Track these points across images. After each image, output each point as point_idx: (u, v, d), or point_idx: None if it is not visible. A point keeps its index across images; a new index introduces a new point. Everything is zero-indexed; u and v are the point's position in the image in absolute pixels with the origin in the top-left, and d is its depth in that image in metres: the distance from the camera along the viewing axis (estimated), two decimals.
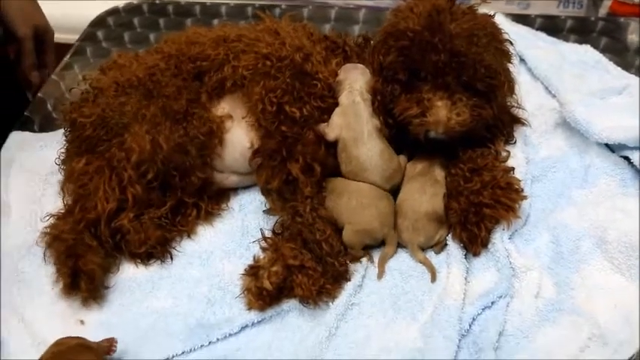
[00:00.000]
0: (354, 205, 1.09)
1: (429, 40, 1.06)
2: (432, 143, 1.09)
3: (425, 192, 1.10)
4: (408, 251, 1.09)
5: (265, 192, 1.16)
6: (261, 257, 1.07)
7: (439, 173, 1.13)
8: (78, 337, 0.94)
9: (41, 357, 0.91)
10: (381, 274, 1.07)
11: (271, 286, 1.01)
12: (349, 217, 1.08)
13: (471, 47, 1.05)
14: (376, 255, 1.09)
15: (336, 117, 1.14)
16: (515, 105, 1.25)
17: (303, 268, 1.02)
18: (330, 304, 1.02)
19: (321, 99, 1.15)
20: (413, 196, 1.10)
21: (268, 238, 1.10)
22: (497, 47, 1.11)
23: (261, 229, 1.12)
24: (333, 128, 1.12)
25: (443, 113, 1.06)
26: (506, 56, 1.15)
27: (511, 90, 1.18)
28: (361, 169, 1.11)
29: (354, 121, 1.12)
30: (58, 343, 0.93)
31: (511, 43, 1.17)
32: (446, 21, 1.06)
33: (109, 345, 0.95)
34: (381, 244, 1.10)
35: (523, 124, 1.25)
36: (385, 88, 1.13)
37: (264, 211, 1.17)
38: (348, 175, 1.13)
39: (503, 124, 1.19)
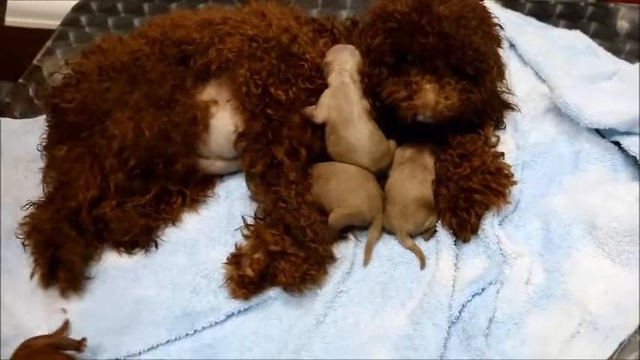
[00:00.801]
0: (343, 188, 1.08)
1: (417, 22, 1.04)
2: (420, 127, 1.08)
3: (414, 178, 1.09)
4: (397, 238, 1.08)
5: (249, 176, 1.14)
6: (244, 245, 1.06)
7: (429, 160, 1.12)
8: (48, 336, 0.93)
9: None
10: (367, 260, 1.06)
11: (253, 274, 1.00)
12: (338, 200, 1.07)
13: (459, 30, 1.04)
14: (363, 239, 1.09)
15: (325, 98, 1.12)
16: (505, 90, 1.24)
17: (285, 255, 1.01)
18: (318, 291, 1.01)
19: (308, 80, 1.14)
20: (402, 182, 1.09)
21: (250, 225, 1.08)
22: (487, 31, 1.10)
23: (242, 217, 1.10)
24: (322, 110, 1.11)
25: (431, 97, 1.04)
26: (496, 40, 1.14)
27: (501, 75, 1.17)
28: (350, 150, 1.10)
29: (343, 102, 1.11)
30: (26, 346, 0.92)
31: (501, 28, 1.16)
32: (434, 3, 1.05)
33: (78, 342, 0.93)
34: (367, 226, 1.09)
35: (513, 109, 1.24)
36: (372, 70, 1.12)
37: (250, 196, 1.16)
38: (335, 157, 1.12)
39: (492, 109, 1.18)
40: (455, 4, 1.06)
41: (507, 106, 1.24)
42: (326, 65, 1.15)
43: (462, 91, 1.07)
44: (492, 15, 1.14)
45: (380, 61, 1.10)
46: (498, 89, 1.21)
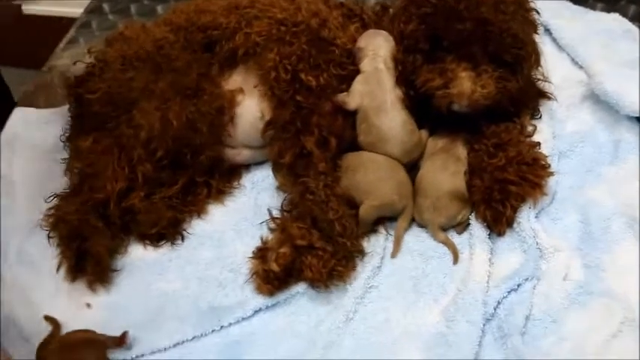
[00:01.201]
0: (372, 178, 1.05)
1: (454, 7, 1.01)
2: (454, 116, 1.05)
3: (446, 169, 1.06)
4: (429, 231, 1.05)
5: (277, 166, 1.12)
6: (270, 238, 1.04)
7: (461, 150, 1.09)
8: (85, 331, 0.91)
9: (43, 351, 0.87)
10: (396, 252, 1.04)
11: (279, 269, 0.97)
12: (367, 192, 1.04)
13: (497, 15, 1.00)
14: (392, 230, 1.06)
15: (358, 85, 1.09)
16: (541, 78, 1.20)
17: (312, 249, 0.98)
18: (348, 286, 0.98)
19: (339, 66, 1.11)
20: (434, 173, 1.06)
21: (276, 217, 1.06)
22: (524, 16, 1.06)
23: (268, 209, 1.08)
24: (354, 97, 1.08)
25: (467, 85, 1.01)
26: (533, 26, 1.11)
27: (537, 62, 1.14)
28: (381, 139, 1.07)
29: (376, 89, 1.08)
30: (64, 339, 0.90)
31: (538, 13, 1.12)
32: None
33: (120, 338, 0.92)
34: (397, 217, 1.07)
35: (549, 97, 1.20)
36: (406, 57, 1.08)
37: (277, 187, 1.13)
38: (366, 147, 1.09)
39: (529, 97, 1.14)
40: None
41: (543, 95, 1.20)
42: (358, 50, 1.11)
43: (499, 79, 1.03)
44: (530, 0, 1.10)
45: (414, 48, 1.07)
46: (534, 77, 1.17)
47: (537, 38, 1.14)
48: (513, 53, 1.04)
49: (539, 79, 1.20)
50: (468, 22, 1.00)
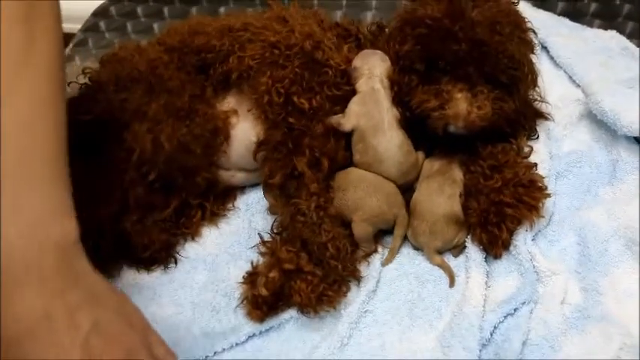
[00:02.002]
0: (361, 194, 1.04)
1: (449, 29, 1.00)
2: (451, 138, 1.04)
3: (443, 192, 1.04)
4: (424, 254, 1.04)
5: (267, 187, 1.09)
6: (260, 263, 1.03)
7: (457, 172, 1.08)
8: None
9: None
10: (388, 260, 1.04)
11: (267, 293, 0.96)
12: (357, 207, 1.03)
13: (493, 36, 1.00)
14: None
15: (354, 105, 1.08)
16: (538, 98, 1.19)
17: (301, 273, 0.97)
18: (342, 311, 0.97)
19: (334, 86, 1.10)
20: (430, 197, 1.05)
21: (267, 241, 1.05)
22: (521, 37, 1.06)
23: (259, 233, 1.07)
24: (350, 118, 1.07)
25: (463, 106, 1.00)
26: (530, 47, 1.10)
27: (534, 82, 1.13)
28: (377, 160, 1.06)
29: (373, 109, 1.07)
30: None
31: (535, 33, 1.12)
32: (467, 8, 1.01)
33: None
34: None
35: (546, 118, 1.20)
36: (401, 78, 1.08)
37: (268, 209, 1.13)
38: (361, 167, 1.08)
39: (525, 118, 1.13)
40: (488, 9, 1.02)
41: (540, 115, 1.19)
42: (354, 70, 1.11)
43: (496, 100, 1.03)
44: (526, 19, 1.09)
45: (409, 69, 1.06)
46: (531, 97, 1.16)
47: (534, 57, 1.13)
48: (509, 74, 1.03)
49: (536, 100, 1.19)
50: (464, 42, 0.99)
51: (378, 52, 1.13)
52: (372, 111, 1.07)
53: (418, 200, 1.06)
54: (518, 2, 1.11)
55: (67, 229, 0.72)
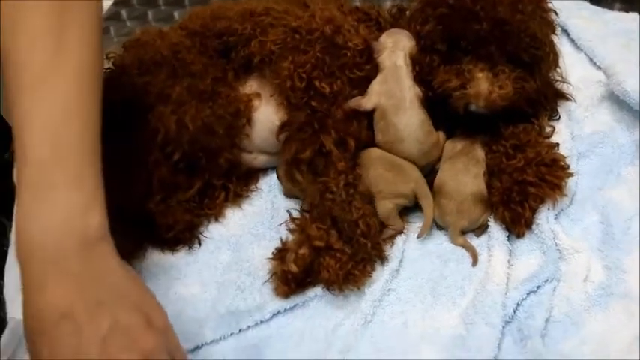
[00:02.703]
0: (380, 171, 1.05)
1: (470, 8, 1.00)
2: (472, 118, 1.04)
3: (469, 172, 1.05)
4: (448, 234, 1.04)
5: (295, 164, 1.09)
6: (289, 239, 1.03)
7: (480, 152, 1.08)
8: None
9: None
10: (424, 232, 1.04)
11: (297, 269, 0.97)
12: (377, 185, 1.04)
13: (515, 15, 1.00)
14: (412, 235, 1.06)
15: (376, 85, 1.08)
16: (559, 79, 1.19)
17: (330, 250, 0.98)
18: (366, 289, 0.98)
19: (355, 67, 1.10)
20: (456, 176, 1.05)
21: (296, 218, 1.05)
22: (542, 16, 1.06)
23: (288, 211, 1.07)
24: (372, 96, 1.07)
25: (485, 85, 1.00)
26: (551, 27, 1.10)
27: (555, 63, 1.13)
28: (398, 138, 1.06)
29: (394, 86, 1.07)
30: None
31: (556, 14, 1.11)
32: None
33: None
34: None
35: (567, 98, 1.19)
36: (423, 58, 1.08)
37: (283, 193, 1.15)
38: (383, 146, 1.08)
39: (546, 98, 1.13)
40: None
41: (561, 96, 1.19)
42: (379, 44, 1.10)
43: (517, 79, 1.02)
44: (547, 0, 1.09)
45: (431, 49, 1.07)
46: (552, 78, 1.16)
47: (555, 39, 1.13)
48: (531, 53, 1.03)
49: (557, 80, 1.18)
50: (485, 22, 0.99)
51: (405, 31, 1.12)
52: (393, 89, 1.07)
53: (444, 180, 1.06)
54: None
55: (95, 225, 0.73)
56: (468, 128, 1.09)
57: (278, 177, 1.15)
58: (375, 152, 1.08)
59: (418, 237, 1.04)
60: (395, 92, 1.07)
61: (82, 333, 0.67)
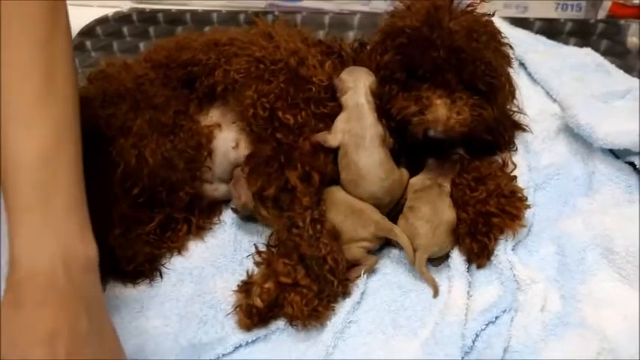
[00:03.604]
0: (341, 217, 1.05)
1: (427, 37, 1.02)
2: (432, 145, 1.06)
3: (444, 201, 1.06)
4: (415, 259, 1.03)
5: (259, 199, 1.09)
6: (255, 273, 1.03)
7: (448, 186, 1.09)
8: None
9: None
10: (434, 284, 1.03)
11: (262, 304, 0.97)
12: (340, 230, 1.05)
13: (470, 43, 1.02)
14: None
15: (340, 122, 1.09)
16: (517, 110, 1.21)
17: (296, 286, 0.98)
18: (328, 322, 0.98)
19: (319, 103, 1.11)
20: (434, 203, 1.05)
21: (262, 252, 1.05)
22: (497, 47, 1.09)
23: (255, 244, 1.07)
24: (336, 134, 1.08)
25: (443, 111, 1.02)
26: (506, 59, 1.12)
27: (512, 94, 1.15)
28: (359, 176, 1.06)
29: (356, 124, 1.08)
30: None
31: (511, 47, 1.14)
32: (445, 18, 1.03)
33: None
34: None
35: (524, 129, 1.22)
36: (382, 88, 1.09)
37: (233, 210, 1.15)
38: (347, 185, 1.08)
39: (505, 129, 1.15)
40: (466, 19, 1.04)
41: (518, 127, 1.21)
42: (340, 82, 1.11)
43: (474, 106, 1.05)
44: (503, 34, 1.12)
45: (390, 78, 1.08)
46: (510, 109, 1.19)
47: (512, 72, 1.16)
48: (487, 81, 1.05)
49: (514, 112, 1.21)
50: (442, 50, 1.01)
51: (363, 68, 1.14)
52: (355, 127, 1.08)
53: (418, 204, 1.06)
54: (493, 14, 1.13)
55: (90, 254, 0.74)
56: (430, 156, 1.11)
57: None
58: (335, 195, 1.08)
59: (412, 264, 1.03)
60: (356, 130, 1.07)
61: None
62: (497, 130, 1.14)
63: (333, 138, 1.08)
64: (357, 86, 1.10)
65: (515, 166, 1.14)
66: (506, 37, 1.13)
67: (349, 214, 1.05)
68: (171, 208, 1.11)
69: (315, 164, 1.07)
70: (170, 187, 1.08)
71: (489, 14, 1.12)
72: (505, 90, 1.11)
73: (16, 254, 0.71)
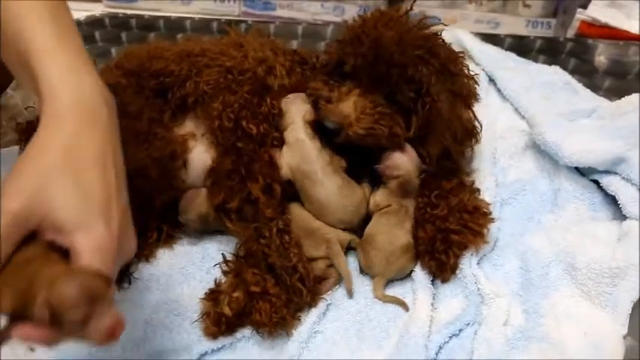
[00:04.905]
0: (300, 234, 1.06)
1: (360, 37, 1.05)
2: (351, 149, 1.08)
3: (403, 227, 1.07)
4: (372, 284, 1.06)
5: (223, 212, 1.09)
6: (223, 281, 1.04)
7: (410, 205, 1.09)
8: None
9: None
10: (350, 285, 1.05)
11: (231, 313, 0.98)
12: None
13: (398, 52, 1.02)
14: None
15: (285, 157, 1.09)
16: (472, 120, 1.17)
17: (266, 295, 0.99)
18: (293, 331, 0.99)
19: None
20: (391, 230, 1.06)
21: (229, 261, 1.06)
22: (435, 66, 1.05)
23: (222, 253, 1.08)
24: (282, 168, 1.09)
25: (345, 107, 1.04)
26: (449, 80, 1.08)
27: (465, 132, 1.14)
28: (322, 207, 1.07)
29: (302, 162, 1.08)
30: None
31: (475, 82, 1.15)
32: (385, 25, 1.04)
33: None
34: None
35: (476, 138, 1.18)
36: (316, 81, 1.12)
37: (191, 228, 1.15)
38: (313, 213, 1.09)
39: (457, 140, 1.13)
40: (406, 31, 1.05)
41: (472, 134, 1.18)
42: (280, 116, 1.11)
43: (384, 116, 1.05)
44: (457, 55, 1.13)
45: (322, 69, 1.12)
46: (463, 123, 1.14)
47: (482, 87, 1.16)
48: (407, 96, 1.05)
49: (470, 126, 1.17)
50: (369, 51, 1.03)
51: (300, 94, 1.14)
52: (301, 165, 1.08)
53: (376, 231, 1.07)
54: (440, 34, 1.12)
55: (110, 96, 0.81)
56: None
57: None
58: (294, 212, 1.09)
59: (348, 293, 1.05)
60: (304, 167, 1.08)
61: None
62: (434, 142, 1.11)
63: (283, 173, 1.09)
64: (296, 121, 1.10)
65: (474, 182, 1.16)
66: (468, 68, 1.13)
67: (304, 235, 1.06)
68: (144, 217, 1.09)
69: (275, 176, 1.08)
70: (144, 195, 1.07)
71: (439, 37, 1.11)
72: (443, 118, 1.07)
73: (53, 87, 0.74)
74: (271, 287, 1.00)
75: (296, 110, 1.11)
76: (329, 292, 1.05)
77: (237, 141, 1.08)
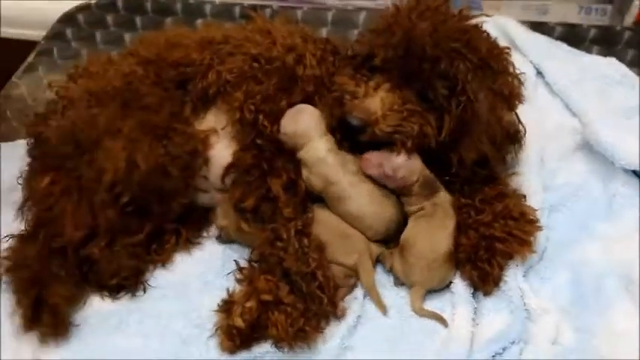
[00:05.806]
0: (325, 238, 1.06)
1: (391, 28, 1.04)
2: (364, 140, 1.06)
3: (446, 228, 1.06)
4: (409, 296, 1.06)
5: (239, 212, 1.09)
6: (237, 290, 1.04)
7: (449, 206, 1.09)
8: None
9: None
10: (382, 305, 1.05)
11: (243, 324, 0.97)
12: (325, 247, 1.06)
13: (430, 45, 1.01)
14: None
15: (311, 177, 1.08)
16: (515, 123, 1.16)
17: (280, 304, 0.98)
18: (321, 346, 0.99)
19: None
20: (432, 232, 1.06)
21: (244, 268, 1.06)
22: (473, 61, 1.03)
23: (235, 260, 1.08)
24: (312, 184, 1.08)
25: (372, 103, 1.03)
26: (492, 79, 1.07)
27: (508, 136, 1.12)
28: (357, 220, 1.08)
29: (328, 184, 1.07)
30: None
31: (520, 81, 1.13)
32: (420, 15, 1.04)
33: None
34: None
35: (520, 142, 1.17)
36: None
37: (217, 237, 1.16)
38: (351, 225, 1.09)
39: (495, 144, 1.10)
40: (438, 20, 1.03)
41: (514, 139, 1.16)
42: (287, 137, 1.09)
43: (414, 113, 1.04)
44: (501, 50, 1.11)
45: (350, 60, 1.11)
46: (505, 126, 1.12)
47: (529, 80, 1.14)
48: (440, 93, 1.03)
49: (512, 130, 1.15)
50: (400, 44, 1.02)
51: (302, 107, 1.12)
52: (328, 187, 1.08)
53: (415, 238, 1.06)
54: (481, 25, 1.10)
55: None
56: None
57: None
58: (319, 214, 1.09)
59: (380, 310, 1.05)
60: (330, 189, 1.07)
61: None
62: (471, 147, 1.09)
63: (313, 186, 1.09)
64: (312, 138, 1.08)
65: (518, 188, 1.14)
66: (514, 66, 1.12)
67: (337, 237, 1.07)
68: (161, 219, 1.11)
69: (299, 172, 1.08)
70: (163, 196, 1.08)
71: (482, 30, 1.10)
72: (480, 120, 1.05)
73: None
74: (285, 296, 0.99)
75: (306, 127, 1.09)
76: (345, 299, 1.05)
77: (257, 137, 1.08)
